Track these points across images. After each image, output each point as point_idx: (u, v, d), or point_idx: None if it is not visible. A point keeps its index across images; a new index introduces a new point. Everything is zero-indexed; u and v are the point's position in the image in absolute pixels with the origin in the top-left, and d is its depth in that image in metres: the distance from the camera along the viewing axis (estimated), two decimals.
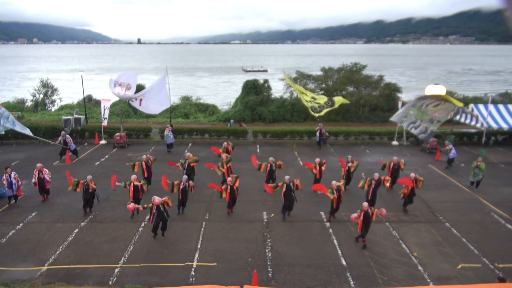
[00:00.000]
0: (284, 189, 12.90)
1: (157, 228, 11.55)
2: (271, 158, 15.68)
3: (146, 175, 15.32)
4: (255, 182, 16.51)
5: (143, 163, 15.34)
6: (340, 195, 12.68)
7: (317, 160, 15.68)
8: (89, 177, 13.14)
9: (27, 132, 18.36)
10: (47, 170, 14.18)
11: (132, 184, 12.88)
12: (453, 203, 14.59)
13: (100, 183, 16.20)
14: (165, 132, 21.26)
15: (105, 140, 23.12)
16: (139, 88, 34.20)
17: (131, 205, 11.83)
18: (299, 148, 22.50)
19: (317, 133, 22.54)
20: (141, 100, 21.79)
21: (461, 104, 18.92)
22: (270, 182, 15.22)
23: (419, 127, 18.07)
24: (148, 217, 12.95)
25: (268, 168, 15.45)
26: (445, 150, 19.14)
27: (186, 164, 15.44)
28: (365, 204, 11.22)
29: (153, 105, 22.11)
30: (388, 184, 14.09)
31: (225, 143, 18.29)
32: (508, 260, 10.63)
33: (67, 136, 19.53)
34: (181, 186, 12.98)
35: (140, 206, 12.03)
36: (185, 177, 13.30)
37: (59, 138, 19.39)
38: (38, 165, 14.12)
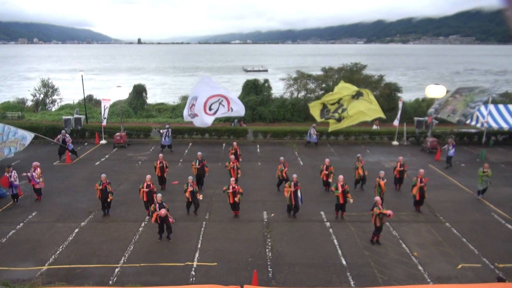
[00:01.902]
0: (292, 188, 12.84)
1: (162, 231, 11.54)
2: (281, 158, 15.58)
3: (159, 175, 15.44)
4: (255, 182, 16.52)
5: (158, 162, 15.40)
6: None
7: (327, 160, 15.45)
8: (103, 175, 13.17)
9: (28, 137, 18.37)
10: (38, 170, 14.07)
11: (145, 184, 12.87)
12: (453, 203, 14.58)
13: None
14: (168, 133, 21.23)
15: (105, 140, 23.14)
16: (141, 88, 34.26)
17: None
18: (299, 147, 22.51)
19: (314, 136, 22.53)
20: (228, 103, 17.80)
21: None
22: (284, 183, 15.11)
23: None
24: (148, 217, 12.98)
25: (286, 169, 15.22)
26: (445, 148, 19.02)
27: (198, 164, 15.32)
28: (378, 198, 11.38)
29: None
30: (383, 186, 13.52)
31: (235, 143, 18.07)
32: (508, 260, 10.62)
33: (67, 135, 19.56)
34: (190, 189, 12.90)
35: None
36: (190, 177, 13.18)
37: (58, 136, 19.43)
38: (34, 163, 14.16)
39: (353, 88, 18.41)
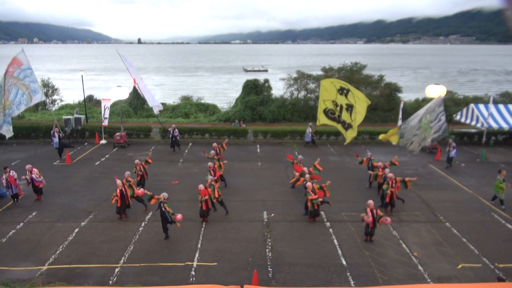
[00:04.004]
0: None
1: (166, 228, 11.50)
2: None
3: (139, 179, 15.10)
4: (255, 182, 16.52)
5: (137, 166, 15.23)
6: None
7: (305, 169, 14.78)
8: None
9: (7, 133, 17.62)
10: (35, 170, 14.03)
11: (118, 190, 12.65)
12: (453, 203, 14.58)
13: (100, 182, 16.30)
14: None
15: (105, 140, 23.14)
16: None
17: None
18: (299, 147, 22.50)
19: (310, 135, 22.49)
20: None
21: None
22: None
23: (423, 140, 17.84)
24: (148, 217, 13.00)
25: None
26: (449, 148, 18.90)
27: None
28: (371, 202, 11.35)
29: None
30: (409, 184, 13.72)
31: (214, 144, 17.78)
32: (508, 260, 10.62)
33: (61, 133, 19.59)
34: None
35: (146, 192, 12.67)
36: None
37: (61, 135, 19.49)
38: (27, 166, 14.06)
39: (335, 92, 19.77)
